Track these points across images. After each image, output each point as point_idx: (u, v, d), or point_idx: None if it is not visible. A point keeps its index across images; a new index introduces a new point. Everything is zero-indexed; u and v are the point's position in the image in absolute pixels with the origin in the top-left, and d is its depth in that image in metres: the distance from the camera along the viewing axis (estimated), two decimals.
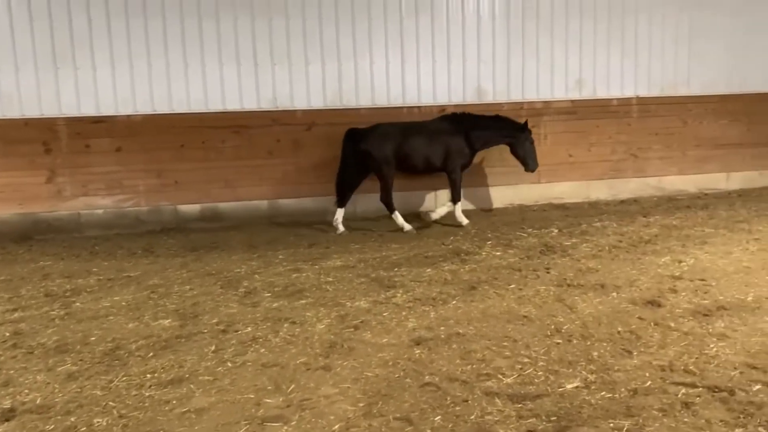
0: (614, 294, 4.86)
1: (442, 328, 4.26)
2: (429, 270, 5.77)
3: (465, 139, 7.75)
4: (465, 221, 7.78)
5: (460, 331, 4.19)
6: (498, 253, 6.32)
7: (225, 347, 4.11)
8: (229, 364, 3.83)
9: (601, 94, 9.13)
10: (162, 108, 8.07)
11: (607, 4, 9.01)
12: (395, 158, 7.61)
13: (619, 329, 4.09)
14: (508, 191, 9.03)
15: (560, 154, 9.09)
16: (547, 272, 5.55)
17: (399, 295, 5.05)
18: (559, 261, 5.93)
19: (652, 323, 4.17)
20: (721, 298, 4.63)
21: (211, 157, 8.23)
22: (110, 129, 7.99)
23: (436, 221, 8.00)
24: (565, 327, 4.18)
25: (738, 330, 3.96)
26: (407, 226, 7.67)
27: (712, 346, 3.72)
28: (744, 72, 9.50)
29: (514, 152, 7.99)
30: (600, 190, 9.30)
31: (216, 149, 8.24)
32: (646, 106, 9.28)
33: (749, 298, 4.58)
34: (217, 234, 7.81)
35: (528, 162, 7.95)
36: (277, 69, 8.25)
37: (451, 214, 7.89)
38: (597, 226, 7.48)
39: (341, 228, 7.74)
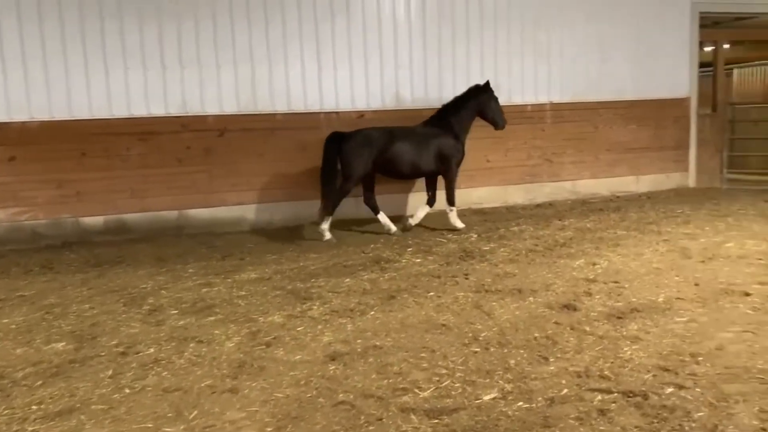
0: (531, 299, 4.84)
1: (359, 341, 4.10)
2: (348, 280, 5.60)
3: (454, 137, 7.64)
4: (461, 225, 7.64)
5: (378, 343, 4.03)
6: (418, 260, 6.23)
7: (123, 371, 3.78)
8: (127, 390, 3.52)
9: (516, 100, 9.27)
10: (61, 114, 7.54)
11: (520, 13, 9.17)
12: (380, 162, 7.39)
13: (536, 335, 4.05)
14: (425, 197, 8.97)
15: (478, 160, 9.14)
16: (466, 278, 5.50)
17: (315, 307, 4.85)
18: (477, 266, 5.90)
19: (568, 328, 4.16)
20: (633, 299, 4.70)
21: (116, 165, 7.75)
22: (2, 137, 7.39)
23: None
24: (483, 334, 4.10)
25: (650, 332, 4.00)
26: (393, 227, 7.58)
27: (626, 349, 3.73)
28: (649, 79, 9.90)
29: (483, 116, 7.86)
30: (517, 195, 9.43)
31: (121, 157, 7.77)
32: (560, 111, 9.50)
33: (660, 299, 4.66)
34: (122, 247, 7.35)
35: (497, 121, 7.86)
36: (187, 73, 7.89)
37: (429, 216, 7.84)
38: (514, 230, 7.54)
39: (328, 235, 7.36)
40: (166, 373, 3.73)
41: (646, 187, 10.07)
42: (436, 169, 7.66)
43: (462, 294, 5.02)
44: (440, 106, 7.85)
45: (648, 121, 10.00)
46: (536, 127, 9.43)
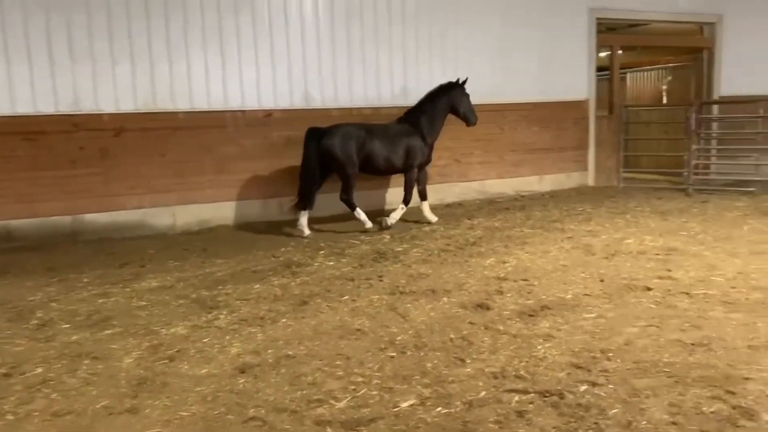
0: (445, 299, 4.82)
1: (270, 351, 3.90)
2: (257, 286, 5.37)
3: (422, 138, 7.76)
4: (392, 222, 7.69)
5: (290, 352, 3.86)
6: (331, 263, 6.09)
7: (6, 395, 3.40)
8: (10, 417, 3.16)
9: None
10: None
11: (427, 14, 9.22)
12: (358, 158, 7.42)
13: (452, 336, 4.01)
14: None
15: None
16: (380, 280, 5.41)
17: (222, 316, 4.60)
18: (391, 268, 5.83)
19: (482, 327, 4.15)
20: (543, 297, 4.77)
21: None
22: None
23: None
24: (399, 338, 4.02)
25: (561, 329, 4.06)
26: (369, 224, 7.55)
27: (539, 347, 3.75)
28: (551, 82, 10.24)
29: (455, 113, 8.03)
30: (429, 195, 9.45)
31: (5, 159, 7.13)
32: None
33: (569, 296, 4.76)
34: (8, 257, 6.73)
35: (468, 117, 8.07)
36: (79, 69, 7.34)
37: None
38: (426, 230, 7.55)
39: (307, 231, 7.38)
40: (55, 395, 3.39)
41: (548, 187, 10.42)
42: (403, 166, 7.76)
43: (377, 297, 4.93)
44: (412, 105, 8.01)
45: (550, 123, 10.34)
46: (446, 128, 9.49)
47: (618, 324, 4.14)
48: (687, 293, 4.73)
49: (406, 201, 7.83)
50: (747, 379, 3.20)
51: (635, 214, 8.09)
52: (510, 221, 7.89)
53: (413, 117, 7.83)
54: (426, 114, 7.82)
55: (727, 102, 11.11)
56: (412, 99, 9.14)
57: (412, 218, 8.22)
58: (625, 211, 8.33)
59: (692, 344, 3.72)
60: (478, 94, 9.63)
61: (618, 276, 5.26)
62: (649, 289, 4.88)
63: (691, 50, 12.13)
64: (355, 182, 7.56)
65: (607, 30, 11.16)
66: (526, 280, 5.25)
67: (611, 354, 3.61)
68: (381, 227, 7.66)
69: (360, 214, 7.63)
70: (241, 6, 8.07)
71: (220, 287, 5.38)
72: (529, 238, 6.86)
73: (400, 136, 7.65)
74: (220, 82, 8.05)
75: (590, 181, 10.87)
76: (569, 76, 10.39)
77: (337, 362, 3.68)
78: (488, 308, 4.56)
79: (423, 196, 8.06)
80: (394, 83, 9.08)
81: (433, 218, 8.01)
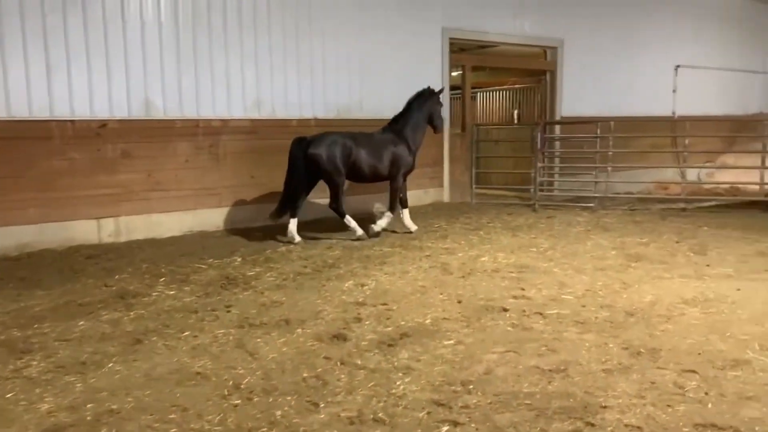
0: (299, 330, 4.45)
1: (89, 405, 3.30)
2: (82, 322, 4.66)
3: (407, 147, 7.92)
4: (374, 230, 7.79)
5: (115, 406, 3.29)
6: (172, 292, 5.48)
7: None
8: None
9: (281, 114, 8.92)
10: None
11: (281, 23, 8.85)
12: (345, 166, 7.54)
13: (305, 375, 3.65)
14: (187, 217, 8.19)
15: (242, 175, 8.60)
16: (228, 311, 4.93)
17: (35, 363, 3.90)
18: (241, 296, 5.35)
19: (338, 362, 3.83)
20: (402, 323, 4.56)
21: None
22: None
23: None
24: (246, 380, 3.59)
25: (421, 359, 3.85)
26: (359, 231, 7.63)
27: (398, 383, 3.50)
28: (408, 98, 10.25)
29: (430, 119, 8.21)
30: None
31: None
32: (327, 128, 9.33)
33: (427, 321, 4.59)
34: None
35: (437, 124, 8.31)
36: None
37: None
38: (282, 251, 7.14)
39: (297, 238, 7.49)
40: None
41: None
42: (389, 174, 7.89)
43: (222, 331, 4.44)
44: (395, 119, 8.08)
45: None
46: None
47: (477, 350, 4.01)
48: (541, 313, 4.74)
49: (392, 209, 8.00)
50: (604, 407, 3.16)
51: (488, 230, 8.24)
52: (370, 240, 7.69)
53: (397, 126, 7.98)
54: (409, 123, 7.98)
55: (567, 122, 11.81)
56: (266, 112, 8.74)
57: (273, 234, 7.78)
58: (478, 228, 8.46)
59: (550, 370, 3.65)
60: (335, 109, 9.45)
61: (475, 297, 5.20)
62: (505, 310, 4.83)
63: (536, 72, 12.81)
64: (343, 190, 7.64)
65: (459, 50, 11.45)
66: (385, 304, 5.03)
67: (471, 386, 3.43)
68: (369, 235, 7.72)
69: (350, 221, 7.64)
70: (70, 5, 7.19)
71: (36, 325, 4.61)
72: (388, 258, 6.69)
73: (386, 144, 7.78)
74: (45, 87, 7.11)
75: (446, 197, 11.03)
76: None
77: (171, 415, 3.18)
78: (345, 339, 4.26)
79: (404, 204, 8.20)
80: (246, 94, 8.58)
81: (413, 227, 8.12)
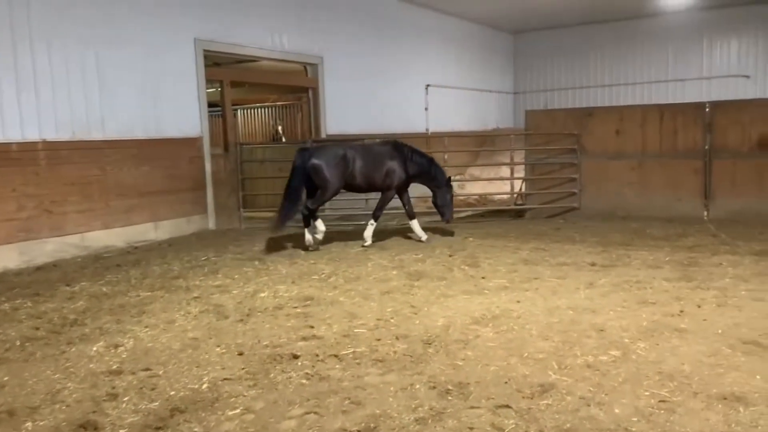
0: (29, 424, 3.32)
1: None
2: None
3: (402, 164, 8.22)
4: (368, 243, 8.17)
5: None
6: None
7: None
8: None
9: None
10: None
11: None
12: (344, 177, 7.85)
13: None
14: None
15: None
16: None
17: None
18: None
19: None
20: (172, 393, 3.68)
21: None
22: None
23: None
24: None
25: None
26: (310, 240, 7.94)
27: None
28: (159, 117, 9.13)
29: (434, 201, 8.54)
30: (9, 257, 7.35)
31: None
32: (57, 151, 7.84)
33: (204, 386, 3.76)
34: None
35: (445, 212, 8.52)
36: None
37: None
38: (5, 308, 5.65)
39: (314, 238, 7.97)
40: None
41: (166, 234, 9.23)
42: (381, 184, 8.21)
43: None
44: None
45: (162, 162, 9.19)
46: (27, 170, 7.55)
47: (271, 418, 3.31)
48: (336, 355, 4.21)
49: (376, 217, 8.30)
50: None
51: (263, 260, 7.54)
52: (122, 283, 6.50)
53: (404, 150, 8.27)
54: (420, 166, 8.30)
55: (332, 141, 11.59)
56: None
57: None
58: (252, 257, 7.72)
59: (359, 431, 3.11)
60: (70, 129, 7.99)
61: (259, 344, 4.48)
62: (295, 356, 4.21)
63: (299, 89, 12.45)
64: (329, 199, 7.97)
65: (215, 65, 10.60)
66: (148, 369, 4.07)
67: None
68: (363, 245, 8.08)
69: (312, 229, 7.92)
70: None
71: None
72: (148, 305, 5.63)
73: (383, 157, 8.13)
74: None
75: (211, 224, 10.06)
76: (180, 111, 9.44)
77: None
78: (96, 428, 3.25)
79: (411, 215, 8.52)
80: None
81: (424, 236, 8.43)
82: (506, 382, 3.67)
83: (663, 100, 15.21)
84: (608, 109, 12.18)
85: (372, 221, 8.29)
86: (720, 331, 4.47)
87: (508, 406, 3.35)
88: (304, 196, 7.91)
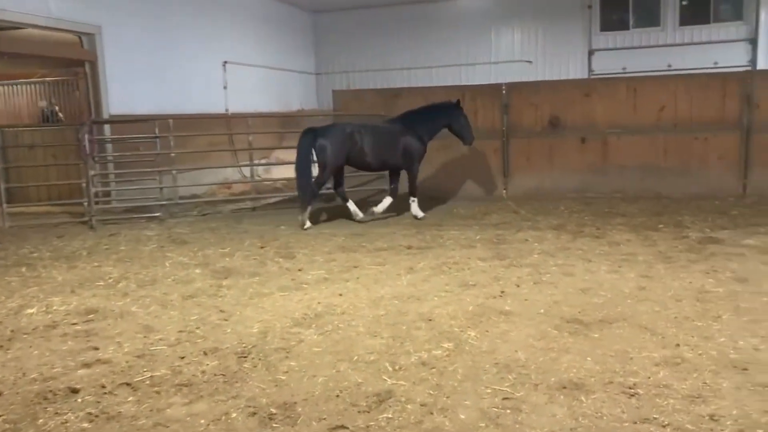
0: None
1: None
2: None
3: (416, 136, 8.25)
4: (421, 215, 8.29)
5: None
6: None
7: None
8: None
9: None
10: None
11: None
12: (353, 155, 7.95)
13: None
14: None
15: None
16: None
17: None
18: None
19: None
20: None
21: None
22: None
23: None
24: None
25: None
26: (360, 214, 8.17)
27: None
28: None
29: (452, 130, 8.47)
30: None
31: None
32: None
33: None
34: None
35: (465, 136, 8.45)
36: None
37: None
38: None
39: (308, 224, 7.83)
40: None
41: None
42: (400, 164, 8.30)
43: None
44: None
45: None
46: None
47: None
48: (129, 384, 3.41)
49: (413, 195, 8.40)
50: None
51: (33, 265, 6.25)
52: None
53: (408, 119, 8.35)
54: (426, 122, 8.32)
55: (119, 122, 10.21)
56: None
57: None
58: (19, 262, 6.37)
59: None
60: None
61: (23, 378, 3.51)
62: (74, 391, 3.33)
63: (73, 63, 10.74)
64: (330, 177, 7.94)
65: None
66: None
67: None
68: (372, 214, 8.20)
69: (352, 206, 8.22)
70: None
71: None
72: None
73: (394, 135, 8.18)
74: None
75: None
76: None
77: None
78: None
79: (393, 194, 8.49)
80: None
81: (420, 213, 8.36)
82: (338, 395, 3.20)
83: (458, 84, 15.81)
84: (415, 90, 12.21)
85: (412, 198, 8.40)
86: (542, 311, 4.44)
87: (343, 427, 2.87)
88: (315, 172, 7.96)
